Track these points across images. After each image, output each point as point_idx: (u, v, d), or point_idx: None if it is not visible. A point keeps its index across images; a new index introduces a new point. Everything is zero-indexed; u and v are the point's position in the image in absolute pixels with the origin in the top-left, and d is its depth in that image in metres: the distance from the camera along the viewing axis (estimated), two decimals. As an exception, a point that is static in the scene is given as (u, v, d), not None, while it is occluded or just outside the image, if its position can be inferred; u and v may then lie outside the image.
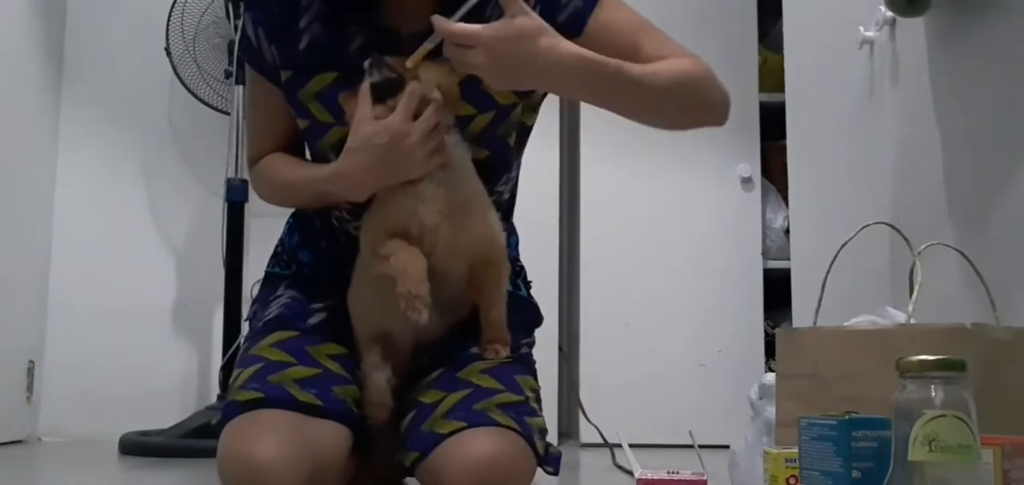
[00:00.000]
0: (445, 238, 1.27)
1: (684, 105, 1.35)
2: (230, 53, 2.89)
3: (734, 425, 1.53)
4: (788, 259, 2.60)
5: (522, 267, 1.55)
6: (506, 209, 1.49)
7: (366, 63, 1.27)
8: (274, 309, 1.42)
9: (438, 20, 1.21)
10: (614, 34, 1.36)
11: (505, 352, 1.36)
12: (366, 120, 1.26)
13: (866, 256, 1.69)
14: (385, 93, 1.26)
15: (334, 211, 1.43)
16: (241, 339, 2.08)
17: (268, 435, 1.22)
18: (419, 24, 1.26)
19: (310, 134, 1.38)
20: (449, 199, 1.28)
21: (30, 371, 3.00)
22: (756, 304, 3.17)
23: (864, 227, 1.31)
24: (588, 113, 3.17)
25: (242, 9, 1.52)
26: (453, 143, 1.31)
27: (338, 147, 1.32)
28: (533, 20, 1.21)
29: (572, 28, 1.35)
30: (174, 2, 2.94)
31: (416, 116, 1.25)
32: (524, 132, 1.46)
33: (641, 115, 1.35)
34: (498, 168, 1.42)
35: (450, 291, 1.30)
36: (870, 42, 2.00)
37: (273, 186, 1.46)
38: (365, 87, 1.27)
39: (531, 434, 1.31)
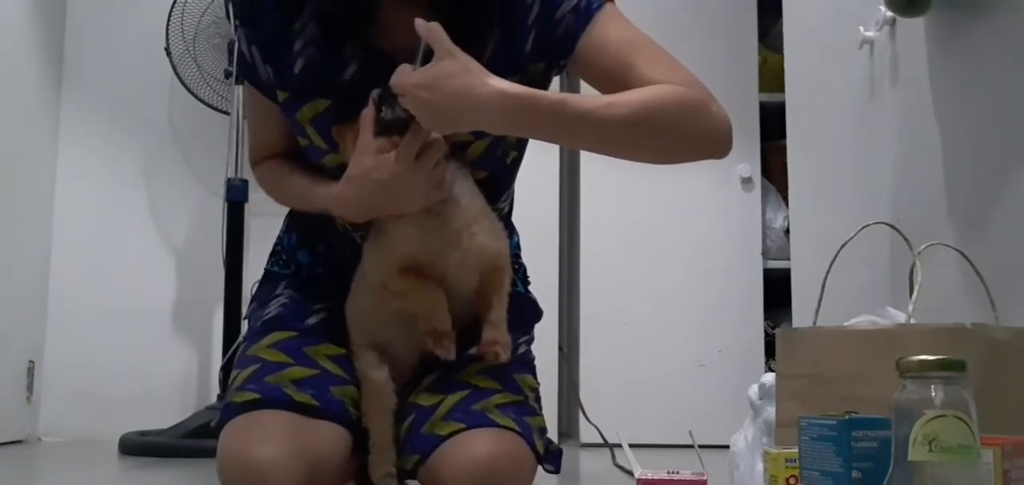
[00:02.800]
0: (455, 261, 1.28)
1: (659, 137, 1.24)
2: (230, 53, 2.89)
3: (734, 425, 1.52)
4: (788, 259, 2.60)
5: (522, 265, 1.54)
6: (506, 220, 1.49)
7: (374, 94, 1.24)
8: (272, 309, 1.42)
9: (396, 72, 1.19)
10: (604, 53, 1.29)
11: (505, 355, 1.33)
12: (368, 150, 1.24)
13: (866, 256, 1.69)
14: (391, 129, 1.24)
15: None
16: (241, 339, 2.08)
17: (267, 436, 1.22)
18: (413, 46, 1.24)
19: (308, 152, 1.37)
20: (455, 224, 1.28)
21: (30, 371, 3.00)
22: (756, 304, 3.17)
23: (864, 227, 1.30)
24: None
25: (235, 25, 1.48)
26: (453, 169, 1.30)
27: (336, 166, 1.31)
28: (458, 62, 1.16)
29: (565, 49, 1.31)
30: (174, 2, 2.95)
31: (419, 152, 1.24)
32: (523, 145, 1.43)
33: (604, 149, 1.27)
34: (499, 186, 1.41)
35: (460, 304, 1.31)
36: (870, 42, 2.00)
37: (275, 192, 1.46)
38: (367, 113, 1.24)
39: (530, 433, 1.31)
